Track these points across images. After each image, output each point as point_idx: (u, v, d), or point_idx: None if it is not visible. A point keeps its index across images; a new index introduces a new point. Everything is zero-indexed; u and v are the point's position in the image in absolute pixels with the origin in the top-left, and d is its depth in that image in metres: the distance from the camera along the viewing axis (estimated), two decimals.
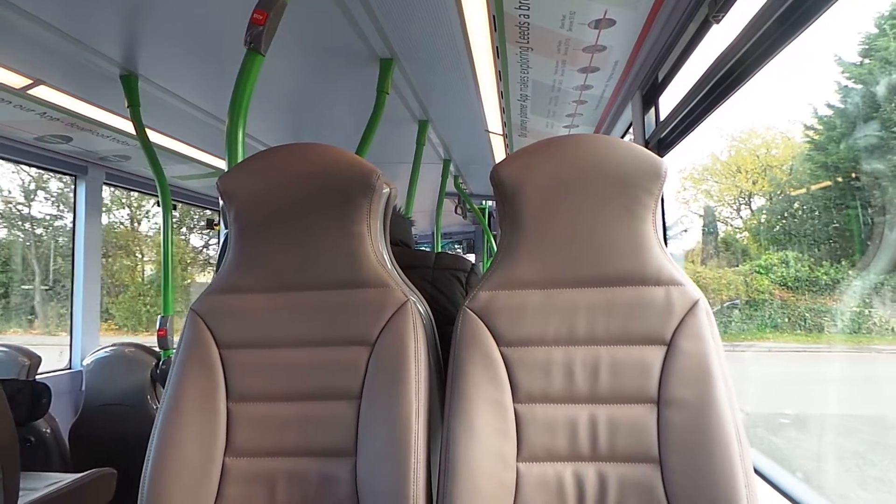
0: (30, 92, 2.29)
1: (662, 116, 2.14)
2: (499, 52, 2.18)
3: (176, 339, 2.24)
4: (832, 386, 4.37)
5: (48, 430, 2.47)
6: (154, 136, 2.74)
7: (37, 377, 2.45)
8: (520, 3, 1.81)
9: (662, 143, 2.05)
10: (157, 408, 2.56)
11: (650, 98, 2.25)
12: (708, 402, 1.01)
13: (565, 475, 1.05)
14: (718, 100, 1.61)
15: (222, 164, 3.42)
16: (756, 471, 1.25)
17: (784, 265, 5.33)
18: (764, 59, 1.35)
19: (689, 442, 1.01)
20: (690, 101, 1.74)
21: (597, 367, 1.06)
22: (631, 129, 2.54)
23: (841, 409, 3.90)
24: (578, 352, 1.07)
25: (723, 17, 1.51)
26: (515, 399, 1.07)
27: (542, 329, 1.08)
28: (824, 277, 5.05)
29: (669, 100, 2.09)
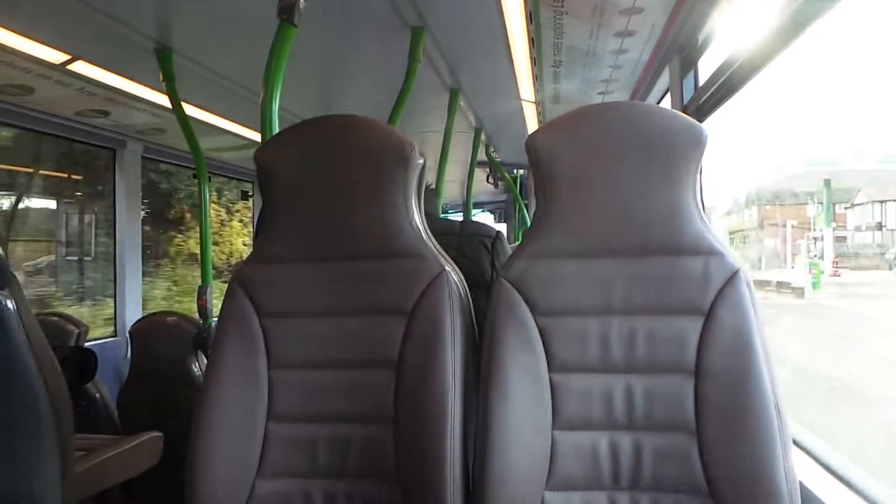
0: (69, 67, 2.33)
1: (702, 81, 2.07)
2: (532, 16, 2.13)
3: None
4: None
5: (97, 395, 2.57)
6: (190, 110, 2.77)
7: (85, 344, 2.54)
8: None
9: (701, 109, 1.99)
10: (199, 374, 2.65)
11: (689, 62, 2.18)
12: (747, 374, 1.00)
13: (601, 444, 1.05)
14: (761, 63, 1.55)
15: (255, 136, 3.45)
16: (796, 442, 1.24)
17: None
18: (812, 19, 1.29)
19: (726, 412, 1.00)
20: (732, 65, 1.67)
21: (633, 337, 1.06)
22: (668, 95, 2.47)
23: None
24: (615, 321, 1.07)
25: None
26: (551, 368, 1.07)
27: (577, 299, 1.08)
28: None
29: (710, 64, 2.02)
